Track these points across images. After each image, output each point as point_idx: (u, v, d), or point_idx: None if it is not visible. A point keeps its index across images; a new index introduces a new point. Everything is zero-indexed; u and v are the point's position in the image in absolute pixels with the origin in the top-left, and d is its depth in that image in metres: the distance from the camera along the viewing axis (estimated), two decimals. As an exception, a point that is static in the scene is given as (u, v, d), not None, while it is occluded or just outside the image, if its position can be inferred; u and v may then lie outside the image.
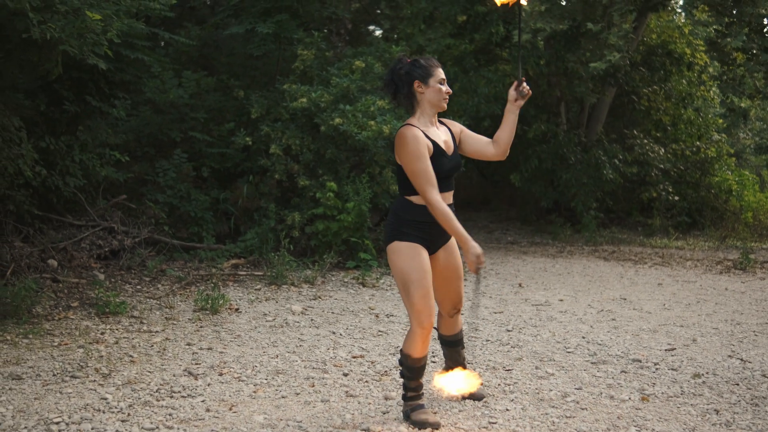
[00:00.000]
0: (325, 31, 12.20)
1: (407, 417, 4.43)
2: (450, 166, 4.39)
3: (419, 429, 4.33)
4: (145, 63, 10.04)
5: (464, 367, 4.87)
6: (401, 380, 4.57)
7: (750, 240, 15.21)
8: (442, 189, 4.33)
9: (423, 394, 4.53)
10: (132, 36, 8.99)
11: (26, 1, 5.84)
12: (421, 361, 4.42)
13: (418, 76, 4.34)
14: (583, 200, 15.16)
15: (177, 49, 13.27)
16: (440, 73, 4.38)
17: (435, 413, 4.54)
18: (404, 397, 4.50)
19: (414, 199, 4.35)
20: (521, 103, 4.54)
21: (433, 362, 5.76)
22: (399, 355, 4.55)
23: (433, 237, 4.41)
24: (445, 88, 4.37)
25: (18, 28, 6.34)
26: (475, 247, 4.14)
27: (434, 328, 4.41)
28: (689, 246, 14.38)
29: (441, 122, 4.55)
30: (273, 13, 11.63)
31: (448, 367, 4.88)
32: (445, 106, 4.41)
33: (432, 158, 4.27)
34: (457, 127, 4.62)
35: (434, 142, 4.32)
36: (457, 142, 4.55)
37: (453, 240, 4.55)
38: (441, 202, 4.17)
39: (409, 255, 4.30)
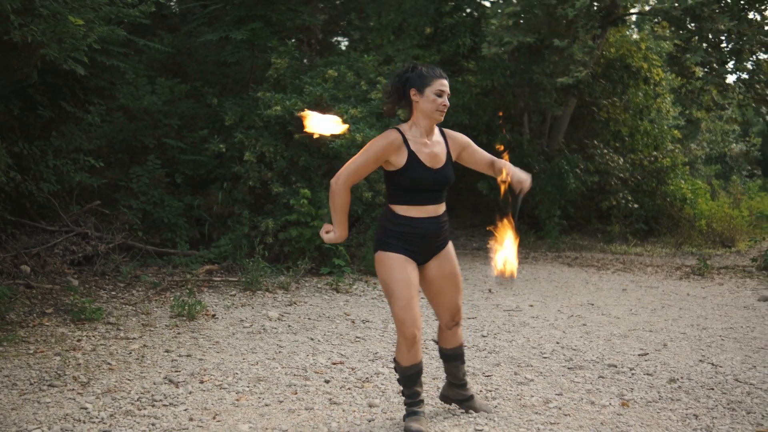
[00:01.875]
0: (294, 41, 12.01)
1: (404, 420, 4.31)
2: (431, 180, 4.19)
3: None
4: (119, 69, 9.78)
5: (465, 384, 4.65)
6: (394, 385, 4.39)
7: (704, 247, 15.28)
8: (422, 201, 4.19)
9: (421, 401, 4.35)
10: (109, 42, 8.74)
11: (7, 3, 5.59)
12: (410, 369, 4.25)
13: (415, 84, 4.16)
14: (546, 208, 15.11)
15: (150, 56, 12.99)
16: (439, 84, 4.14)
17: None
18: (404, 402, 4.35)
19: (398, 208, 4.18)
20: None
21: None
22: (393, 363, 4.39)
23: (419, 248, 4.24)
24: (441, 99, 4.15)
25: (-1, 31, 6.09)
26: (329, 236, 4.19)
27: (433, 341, 4.25)
28: (648, 252, 14.43)
29: (443, 133, 4.36)
30: (246, 22, 11.41)
31: (449, 383, 4.66)
32: (441, 117, 4.19)
33: (403, 169, 4.12)
34: (462, 141, 4.41)
35: (413, 154, 4.14)
36: (455, 156, 4.37)
37: (447, 249, 4.37)
38: (337, 188, 4.10)
39: (391, 266, 4.15)
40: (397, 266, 4.15)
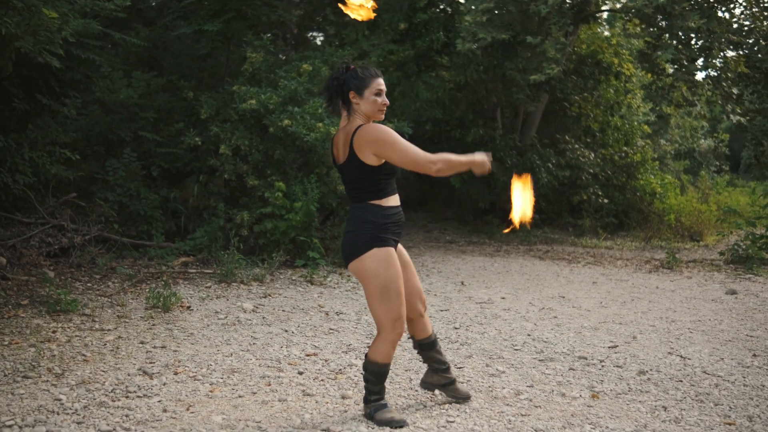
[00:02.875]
0: (270, 35, 11.93)
1: (371, 417, 4.24)
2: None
3: (389, 427, 4.16)
4: (95, 63, 9.67)
5: (449, 367, 4.65)
6: (364, 384, 4.33)
7: (673, 241, 15.39)
8: (395, 188, 4.23)
9: (385, 395, 4.35)
10: (84, 35, 8.63)
11: (-20, -5, 5.51)
12: (387, 366, 4.25)
13: (354, 87, 4.12)
14: (518, 202, 15.13)
15: (126, 49, 12.87)
16: (377, 84, 4.14)
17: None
18: (366, 400, 4.31)
19: (384, 201, 4.15)
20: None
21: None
22: (363, 362, 4.32)
23: (399, 238, 4.26)
24: (381, 99, 4.15)
25: (-30, 24, 6.00)
26: (480, 159, 4.14)
27: (410, 337, 4.24)
28: (617, 246, 14.51)
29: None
30: (221, 15, 11.33)
31: (433, 370, 4.64)
32: (382, 116, 4.20)
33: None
34: None
35: None
36: None
37: None
38: (438, 161, 3.99)
39: (389, 262, 4.10)
40: (395, 262, 4.13)
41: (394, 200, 4.20)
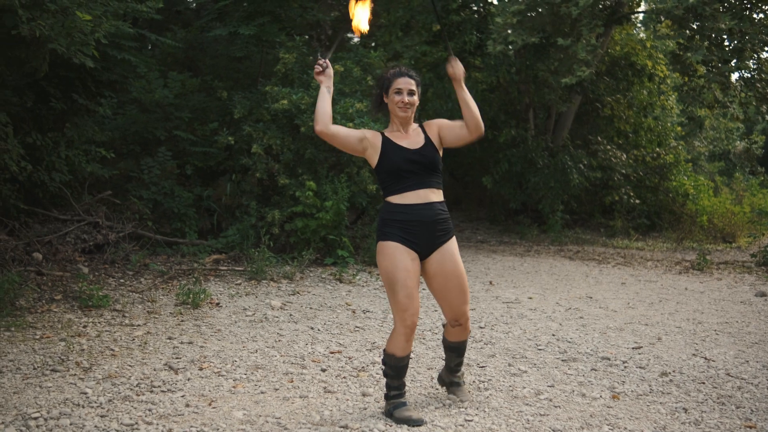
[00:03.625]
0: (306, 37, 11.96)
1: (390, 415, 4.23)
2: (408, 159, 4.24)
3: (407, 426, 4.14)
4: (131, 63, 9.77)
5: (456, 372, 4.67)
6: (384, 379, 4.35)
7: (705, 242, 15.18)
8: (411, 186, 4.24)
9: (405, 392, 4.34)
10: (119, 37, 8.72)
11: (15, -2, 5.58)
12: (404, 360, 4.24)
13: (384, 89, 4.36)
14: (550, 202, 15.06)
15: (163, 50, 13.00)
16: (398, 83, 4.29)
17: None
18: (387, 396, 4.31)
19: (392, 198, 4.26)
20: (456, 76, 4.34)
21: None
22: (382, 356, 4.34)
23: (416, 237, 4.22)
24: (398, 97, 4.26)
25: (6, 25, 6.09)
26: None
27: (443, 325, 4.27)
28: (649, 247, 14.34)
29: (421, 126, 4.42)
30: (256, 17, 11.39)
31: (447, 368, 4.69)
32: (402, 114, 4.29)
33: (382, 154, 4.25)
34: (436, 123, 4.44)
35: (387, 139, 4.28)
36: (437, 139, 4.38)
37: (449, 246, 4.33)
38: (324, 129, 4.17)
39: (392, 254, 4.18)
40: (398, 255, 4.16)
41: (407, 198, 4.22)
